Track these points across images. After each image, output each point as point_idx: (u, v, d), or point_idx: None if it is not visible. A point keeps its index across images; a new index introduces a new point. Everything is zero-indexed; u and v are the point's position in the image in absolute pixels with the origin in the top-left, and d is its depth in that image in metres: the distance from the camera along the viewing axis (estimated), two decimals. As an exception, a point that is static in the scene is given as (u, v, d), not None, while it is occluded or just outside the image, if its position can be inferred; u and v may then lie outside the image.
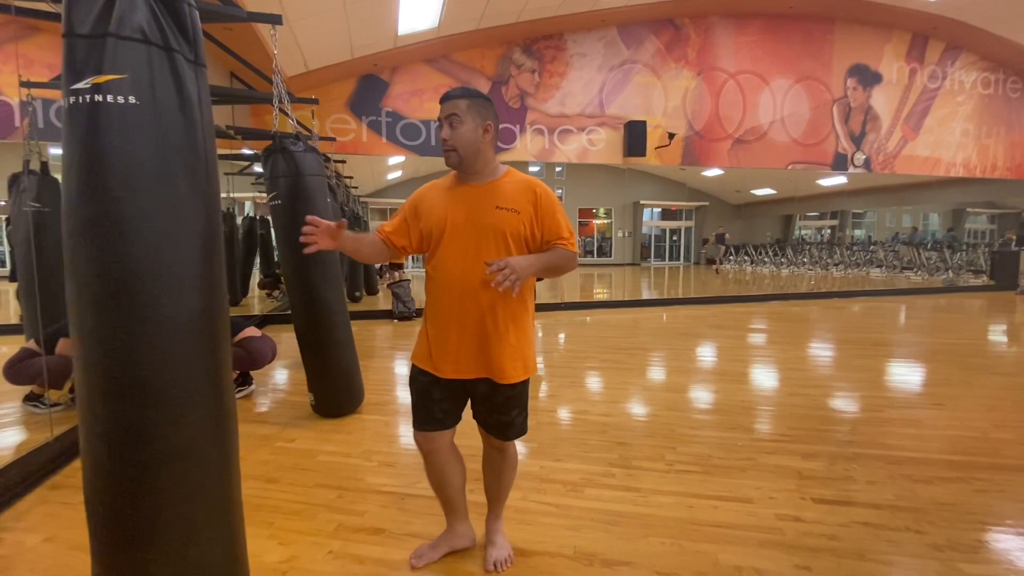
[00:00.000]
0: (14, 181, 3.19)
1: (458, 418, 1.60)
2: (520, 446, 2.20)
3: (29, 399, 2.87)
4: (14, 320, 3.58)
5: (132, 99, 1.11)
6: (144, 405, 1.15)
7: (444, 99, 1.48)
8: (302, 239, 1.41)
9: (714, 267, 13.21)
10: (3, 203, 3.57)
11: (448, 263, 1.49)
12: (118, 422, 1.15)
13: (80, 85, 1.09)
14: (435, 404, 1.54)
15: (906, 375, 4.08)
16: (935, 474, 2.28)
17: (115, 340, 1.14)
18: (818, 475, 2.28)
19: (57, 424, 2.51)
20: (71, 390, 3.04)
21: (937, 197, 12.86)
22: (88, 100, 1.09)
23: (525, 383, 1.56)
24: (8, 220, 3.42)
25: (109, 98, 1.09)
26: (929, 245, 12.87)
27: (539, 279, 1.49)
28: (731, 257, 13.81)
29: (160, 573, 1.18)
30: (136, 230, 1.13)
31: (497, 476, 1.68)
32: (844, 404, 3.33)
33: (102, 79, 1.09)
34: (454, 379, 1.51)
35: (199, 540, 1.23)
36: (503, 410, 1.55)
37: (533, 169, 8.80)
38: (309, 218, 1.41)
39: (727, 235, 13.51)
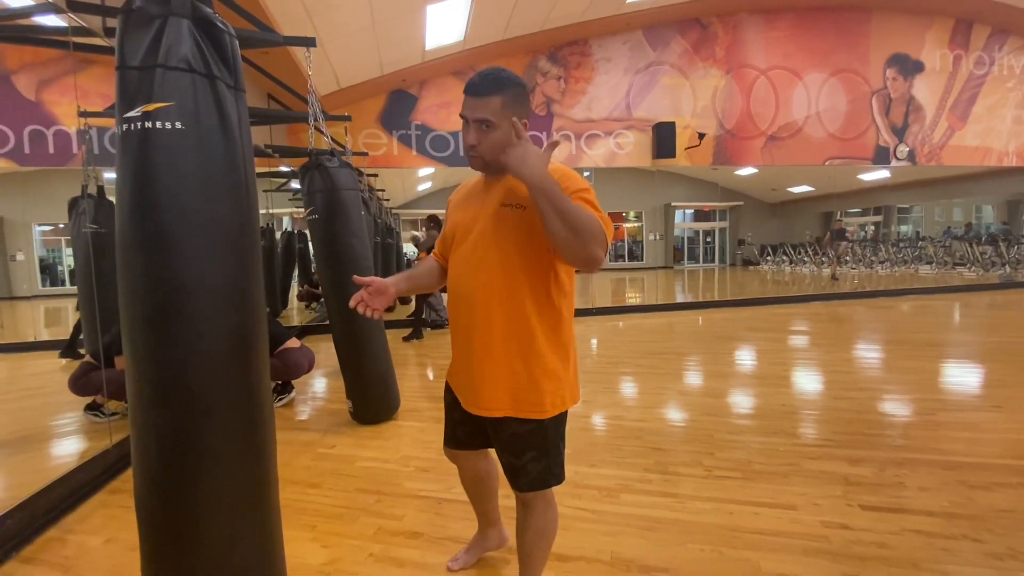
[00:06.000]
0: (73, 205, 3.42)
1: (486, 443, 1.42)
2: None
3: (90, 408, 3.04)
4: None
5: (178, 124, 1.19)
6: (188, 413, 1.21)
7: (472, 92, 1.22)
8: (358, 306, 1.27)
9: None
10: (63, 226, 3.81)
11: (453, 273, 1.33)
12: (164, 430, 1.21)
13: (132, 113, 1.17)
14: (457, 425, 1.44)
15: (960, 376, 3.88)
16: (994, 479, 2.16)
17: (162, 351, 1.20)
18: (866, 481, 2.19)
19: (116, 432, 2.65)
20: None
21: (990, 188, 12.23)
22: (139, 127, 1.17)
23: (540, 423, 1.26)
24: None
25: (158, 124, 1.17)
26: (983, 239, 12.18)
27: (557, 252, 1.14)
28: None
29: None
30: (182, 246, 1.20)
31: (520, 535, 1.39)
32: (893, 407, 3.18)
33: (151, 107, 1.17)
34: None
35: (241, 548, 1.29)
36: (510, 449, 1.30)
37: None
38: (357, 279, 1.28)
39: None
